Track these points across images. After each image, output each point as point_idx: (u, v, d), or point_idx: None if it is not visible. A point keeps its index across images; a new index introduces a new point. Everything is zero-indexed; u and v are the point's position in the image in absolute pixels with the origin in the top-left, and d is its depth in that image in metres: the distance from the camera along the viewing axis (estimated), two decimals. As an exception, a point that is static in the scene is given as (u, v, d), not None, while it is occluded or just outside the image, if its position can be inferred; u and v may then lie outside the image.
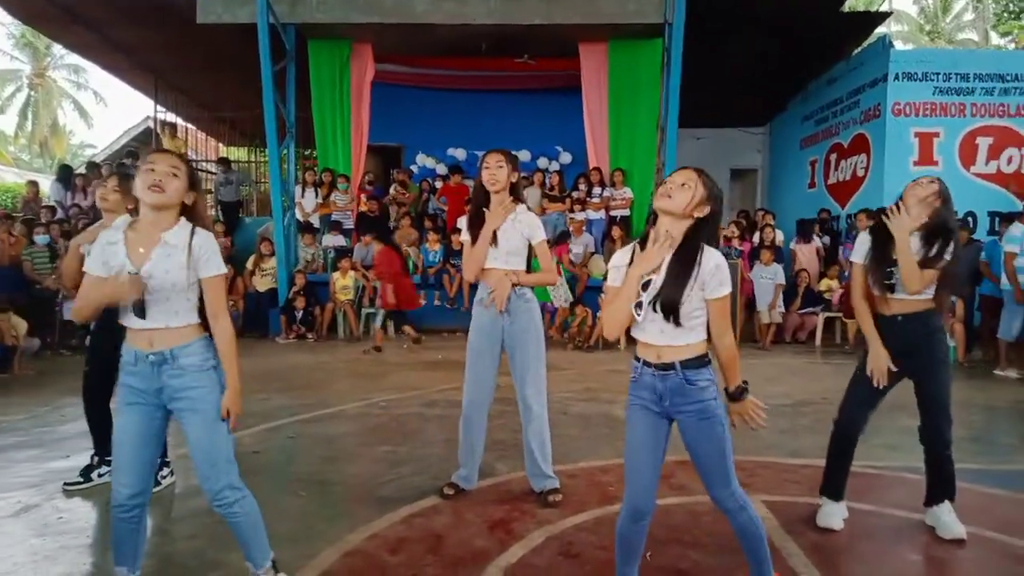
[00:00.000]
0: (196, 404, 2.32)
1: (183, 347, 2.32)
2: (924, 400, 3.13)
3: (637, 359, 2.34)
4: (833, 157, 12.21)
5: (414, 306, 9.15)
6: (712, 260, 2.21)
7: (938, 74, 10.42)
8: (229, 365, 2.39)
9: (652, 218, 2.35)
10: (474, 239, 3.52)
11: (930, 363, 3.10)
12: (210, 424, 2.34)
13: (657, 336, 2.26)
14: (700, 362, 2.26)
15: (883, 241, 3.10)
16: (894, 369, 3.09)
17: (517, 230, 3.50)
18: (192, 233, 2.32)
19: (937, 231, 3.04)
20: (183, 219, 2.35)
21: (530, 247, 3.54)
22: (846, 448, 3.25)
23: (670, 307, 2.19)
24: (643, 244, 2.31)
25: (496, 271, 3.50)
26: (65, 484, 3.77)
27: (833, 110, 12.25)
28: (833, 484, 3.28)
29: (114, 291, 2.23)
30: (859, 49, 12.02)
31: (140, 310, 2.27)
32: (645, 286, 2.25)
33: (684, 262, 2.21)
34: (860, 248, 3.20)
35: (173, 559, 2.91)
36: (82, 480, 3.78)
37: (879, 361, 3.08)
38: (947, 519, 3.15)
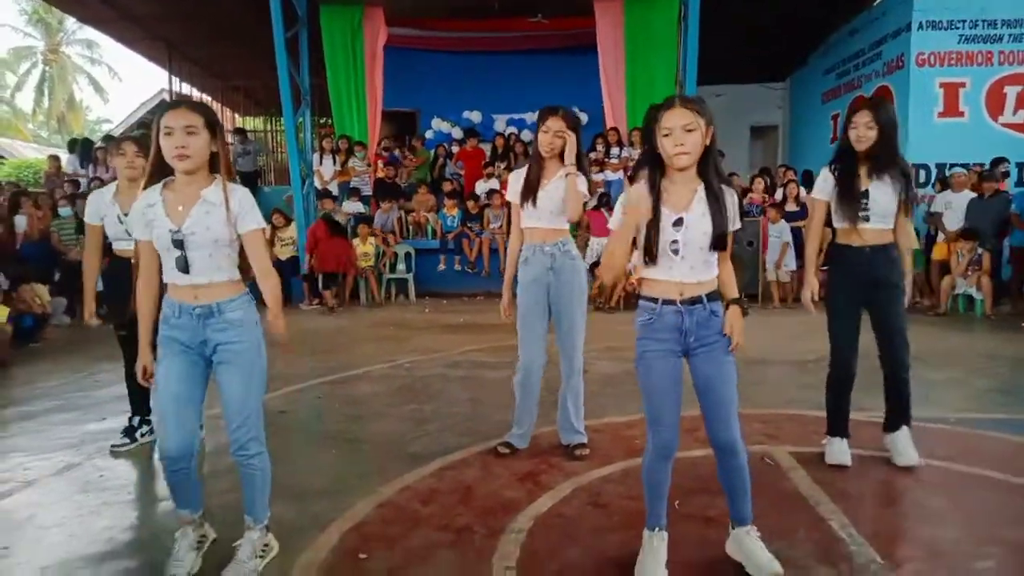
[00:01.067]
0: (237, 357, 2.36)
1: (228, 301, 2.36)
2: (885, 328, 3.28)
3: (653, 300, 2.32)
4: (855, 112, 11.96)
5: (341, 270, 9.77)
6: (731, 195, 2.30)
7: (964, 21, 10.12)
8: (276, 305, 2.46)
9: (646, 163, 2.32)
10: (522, 200, 3.47)
11: (893, 291, 3.26)
12: (247, 378, 2.39)
13: (686, 273, 2.28)
14: (718, 295, 2.35)
15: (849, 174, 3.22)
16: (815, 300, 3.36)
17: (560, 188, 3.42)
18: (227, 189, 2.33)
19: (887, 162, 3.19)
20: (218, 176, 2.36)
21: None
22: (845, 388, 3.39)
23: (721, 239, 2.26)
24: (657, 195, 2.28)
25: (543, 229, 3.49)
26: (112, 446, 3.88)
27: (855, 62, 11.98)
28: (840, 423, 3.42)
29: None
30: (881, -2, 11.70)
31: (184, 265, 2.30)
32: (677, 224, 2.25)
33: (716, 198, 2.26)
34: (823, 185, 3.34)
35: (210, 512, 2.98)
36: (128, 441, 3.89)
37: (811, 288, 3.38)
38: (903, 445, 3.32)
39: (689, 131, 2.19)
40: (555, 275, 3.49)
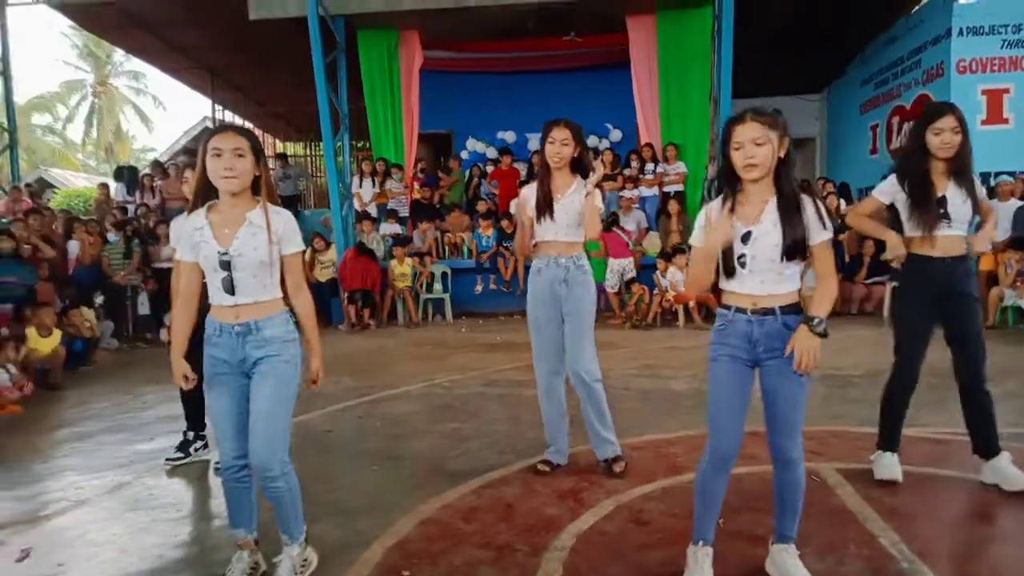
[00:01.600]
0: (271, 371, 2.39)
1: (267, 319, 2.41)
2: (965, 341, 3.15)
3: (727, 307, 2.33)
4: (895, 121, 11.77)
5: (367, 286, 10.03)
6: (810, 206, 2.25)
7: (1006, 26, 9.91)
8: (311, 330, 2.52)
9: (721, 184, 2.33)
10: (538, 214, 3.52)
11: (972, 303, 3.15)
12: (279, 392, 2.40)
13: (757, 287, 2.27)
14: (796, 308, 2.31)
15: (924, 180, 3.09)
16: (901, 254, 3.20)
17: (577, 203, 3.48)
18: (269, 211, 2.40)
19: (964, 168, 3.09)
20: (260, 199, 2.42)
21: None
22: (905, 400, 3.27)
23: (795, 249, 2.22)
24: (732, 205, 2.28)
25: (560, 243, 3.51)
26: (167, 459, 3.98)
27: (893, 71, 11.80)
28: (893, 437, 3.30)
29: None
30: (919, 5, 11.52)
31: (230, 286, 2.36)
32: (745, 239, 2.24)
33: (790, 208, 2.23)
34: (888, 189, 3.21)
35: (264, 528, 3.03)
36: (182, 455, 3.99)
37: (899, 248, 3.17)
38: (1013, 471, 3.12)
39: (759, 145, 2.19)
40: (567, 288, 3.51)
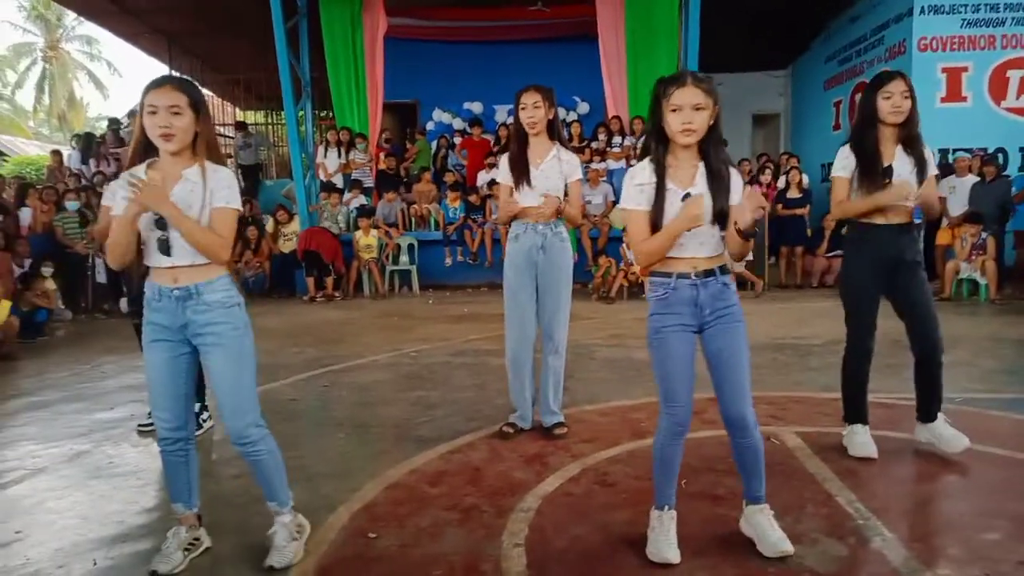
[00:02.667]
0: (221, 339, 2.31)
1: (208, 283, 2.30)
2: (916, 308, 3.15)
3: (666, 275, 2.32)
4: (858, 97, 11.91)
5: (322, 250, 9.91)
6: (734, 173, 2.31)
7: (966, 5, 10.07)
8: (190, 227, 2.23)
9: (653, 141, 2.31)
10: (516, 183, 3.50)
11: (917, 270, 3.15)
12: (235, 360, 2.34)
13: (697, 249, 2.28)
14: (726, 268, 2.35)
15: (872, 148, 3.09)
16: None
17: (557, 169, 3.48)
18: (207, 169, 2.29)
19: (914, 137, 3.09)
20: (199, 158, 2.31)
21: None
22: (863, 370, 3.28)
23: (722, 215, 2.24)
24: (659, 168, 2.28)
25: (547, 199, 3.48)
26: (139, 425, 3.95)
27: (857, 48, 11.93)
28: (859, 409, 3.30)
29: (144, 199, 2.17)
30: (883, -17, 11.65)
31: (165, 247, 2.25)
32: (685, 199, 2.24)
33: (718, 177, 2.26)
34: (845, 163, 3.18)
35: (220, 496, 3.02)
36: (151, 424, 3.91)
37: (903, 187, 3.03)
38: (949, 433, 3.18)
39: (698, 110, 2.18)
40: (544, 254, 3.52)
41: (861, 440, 3.25)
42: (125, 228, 2.24)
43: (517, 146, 3.54)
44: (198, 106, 2.27)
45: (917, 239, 3.22)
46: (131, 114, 14.24)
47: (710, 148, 2.27)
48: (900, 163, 3.10)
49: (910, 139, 3.10)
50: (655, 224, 2.27)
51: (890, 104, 3.04)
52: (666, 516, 2.39)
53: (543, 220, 3.50)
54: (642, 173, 2.32)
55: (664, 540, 2.34)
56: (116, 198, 2.33)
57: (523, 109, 3.45)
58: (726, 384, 2.33)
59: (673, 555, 2.31)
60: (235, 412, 2.34)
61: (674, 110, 2.20)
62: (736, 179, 2.30)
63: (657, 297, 2.35)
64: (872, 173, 3.09)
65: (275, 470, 2.44)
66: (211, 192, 2.28)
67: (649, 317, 2.37)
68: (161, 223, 2.24)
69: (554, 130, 3.54)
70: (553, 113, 3.50)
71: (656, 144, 2.30)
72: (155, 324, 2.32)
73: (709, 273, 2.30)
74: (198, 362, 2.42)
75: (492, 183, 10.47)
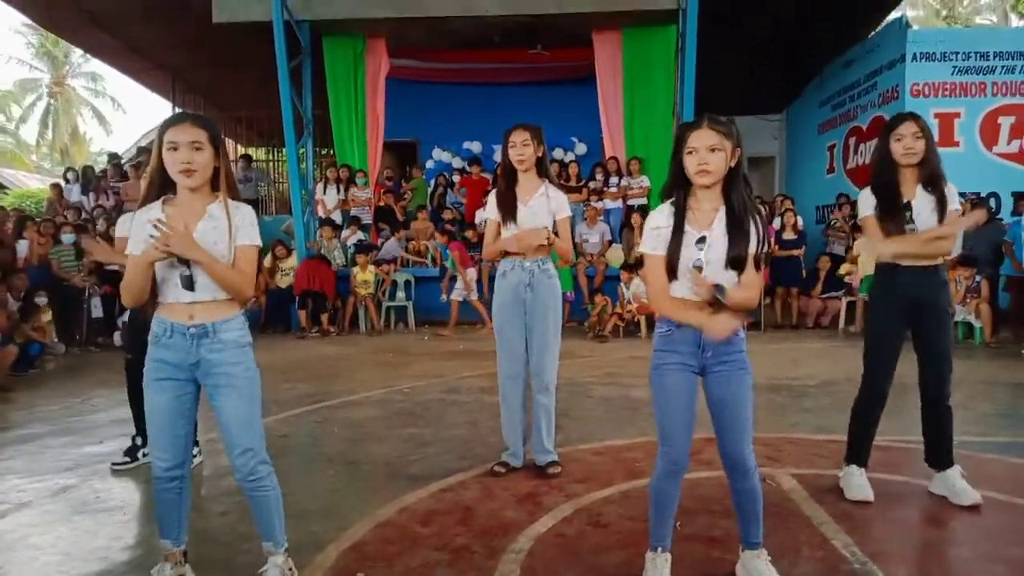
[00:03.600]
0: (234, 380, 2.30)
1: (225, 321, 2.30)
2: (930, 351, 3.14)
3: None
4: (852, 141, 12.09)
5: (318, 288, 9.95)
6: (755, 221, 2.26)
7: (957, 53, 10.28)
8: (220, 271, 2.25)
9: (674, 184, 2.32)
10: (504, 219, 3.53)
11: (940, 313, 3.14)
12: (247, 400, 2.33)
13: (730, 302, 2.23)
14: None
15: (891, 188, 3.10)
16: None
17: (545, 206, 3.51)
18: (229, 205, 2.31)
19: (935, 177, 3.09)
20: (219, 194, 2.33)
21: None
22: (875, 415, 3.23)
23: (738, 262, 2.23)
24: (678, 211, 2.28)
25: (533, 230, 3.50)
26: (113, 464, 3.88)
27: (850, 94, 12.13)
28: (861, 452, 3.26)
29: (174, 247, 2.17)
30: (876, 31, 11.89)
31: (189, 283, 2.24)
32: (700, 242, 2.24)
33: (738, 221, 2.23)
34: (866, 202, 3.16)
35: (207, 534, 2.96)
36: (128, 460, 3.88)
37: (959, 223, 3.10)
38: (962, 485, 3.12)
39: (713, 151, 2.20)
40: (532, 291, 3.53)
41: (858, 483, 3.22)
42: (143, 269, 2.23)
43: (505, 183, 3.58)
44: (217, 142, 2.29)
45: (946, 282, 3.19)
46: (141, 151, 14.33)
47: (732, 191, 2.27)
48: (921, 202, 3.07)
49: (931, 178, 3.08)
50: (671, 267, 2.26)
51: (902, 146, 3.05)
52: (659, 559, 2.36)
53: (530, 255, 3.51)
54: (660, 217, 2.32)
55: None
56: (133, 239, 2.29)
57: (512, 147, 3.50)
58: (727, 431, 2.31)
59: None
60: (245, 451, 2.32)
61: (690, 152, 2.23)
62: (761, 224, 2.27)
63: (661, 334, 2.34)
64: (892, 212, 3.07)
65: (276, 508, 2.42)
66: (236, 229, 2.29)
67: (653, 352, 2.36)
68: (185, 259, 2.23)
69: (543, 168, 3.58)
70: (542, 151, 3.55)
71: (676, 188, 2.30)
72: (162, 362, 2.29)
73: None
74: (195, 403, 2.40)
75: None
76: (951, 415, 3.19)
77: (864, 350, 3.24)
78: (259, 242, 2.38)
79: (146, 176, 3.68)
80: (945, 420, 3.18)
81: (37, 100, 31.56)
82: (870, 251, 3.27)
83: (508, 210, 3.53)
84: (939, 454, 3.21)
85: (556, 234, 3.55)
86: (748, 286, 2.26)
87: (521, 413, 3.64)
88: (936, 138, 9.70)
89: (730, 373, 2.28)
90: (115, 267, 8.06)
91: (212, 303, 2.29)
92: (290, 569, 2.44)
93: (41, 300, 7.97)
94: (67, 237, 9.28)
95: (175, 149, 2.22)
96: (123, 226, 3.83)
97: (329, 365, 7.28)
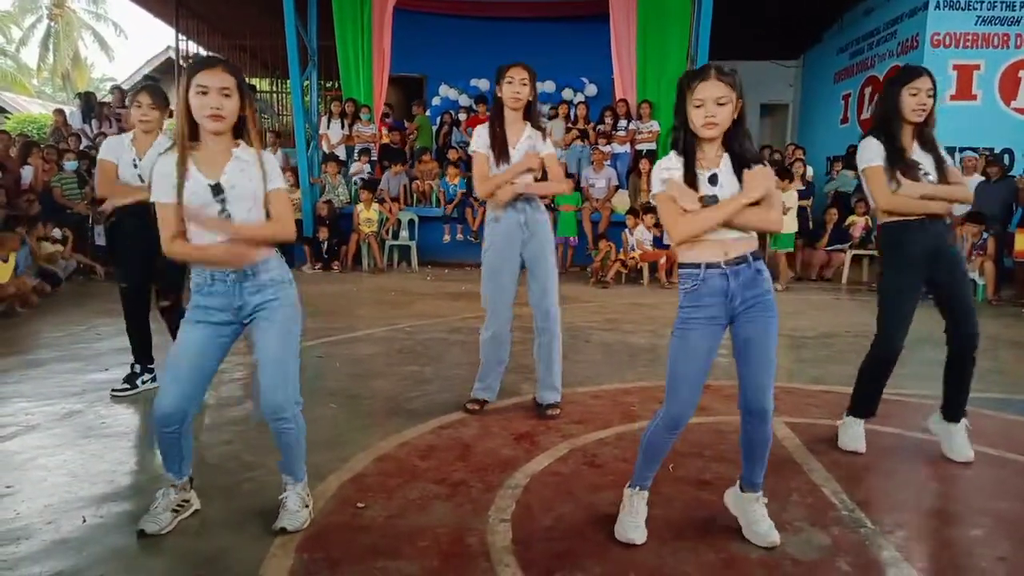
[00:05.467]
0: (273, 315, 2.33)
1: (262, 263, 2.32)
2: (958, 302, 3.08)
3: (695, 266, 2.28)
4: (868, 91, 11.86)
5: None
6: (760, 165, 2.26)
7: (982, 2, 9.99)
8: (261, 233, 2.33)
9: (680, 133, 2.28)
10: (496, 158, 3.51)
11: (958, 264, 3.13)
12: (283, 336, 2.34)
13: (726, 231, 2.23)
14: (759, 254, 2.31)
15: (896, 143, 3.02)
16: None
17: (529, 146, 3.50)
18: (259, 149, 2.34)
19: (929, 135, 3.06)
20: (241, 142, 2.33)
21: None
22: (887, 371, 3.19)
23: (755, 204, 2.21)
24: (687, 160, 2.26)
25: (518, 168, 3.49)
26: (113, 390, 3.94)
27: (869, 41, 11.84)
28: (867, 406, 3.26)
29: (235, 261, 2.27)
30: (900, -24, 11.53)
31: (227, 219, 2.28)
32: (713, 180, 2.23)
33: (743, 160, 2.24)
34: (875, 151, 3.04)
35: (212, 463, 3.03)
36: (128, 387, 3.94)
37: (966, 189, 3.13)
38: (960, 441, 3.14)
39: (721, 104, 2.17)
40: (528, 230, 3.53)
41: (854, 433, 3.25)
42: (199, 255, 2.30)
43: (499, 120, 3.52)
44: (244, 89, 2.28)
45: (951, 229, 3.18)
46: (147, 78, 14.09)
47: (734, 141, 2.25)
48: (923, 159, 3.03)
49: (927, 139, 3.05)
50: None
51: (916, 101, 2.97)
52: (636, 496, 2.40)
53: (523, 192, 3.50)
54: (669, 161, 2.31)
55: (631, 522, 2.37)
56: (158, 185, 2.28)
57: (509, 83, 3.43)
58: (750, 376, 2.29)
59: (638, 536, 2.34)
60: (276, 387, 2.33)
61: (698, 105, 2.19)
62: (762, 170, 2.25)
63: (686, 290, 2.31)
64: (904, 164, 3.00)
65: (299, 446, 2.45)
66: (268, 174, 2.32)
67: (679, 308, 2.33)
68: (219, 193, 2.25)
69: (530, 112, 3.53)
70: (533, 95, 3.49)
71: (683, 135, 2.27)
72: (204, 307, 2.32)
73: (740, 260, 2.25)
74: (225, 352, 2.41)
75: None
76: (973, 366, 3.13)
77: (879, 309, 3.16)
78: (286, 185, 2.41)
79: (143, 107, 3.65)
80: (968, 372, 3.14)
81: (37, 22, 30.83)
82: (885, 203, 3.15)
83: (502, 150, 3.49)
84: (955, 407, 3.16)
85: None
86: (767, 207, 2.23)
87: (507, 354, 3.72)
88: (953, 91, 9.59)
89: (759, 314, 2.26)
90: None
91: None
92: (308, 495, 2.52)
93: (56, 235, 8.01)
94: (70, 164, 9.23)
95: (205, 93, 2.21)
96: (108, 150, 3.80)
97: (331, 302, 7.32)
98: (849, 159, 10.87)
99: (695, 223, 2.23)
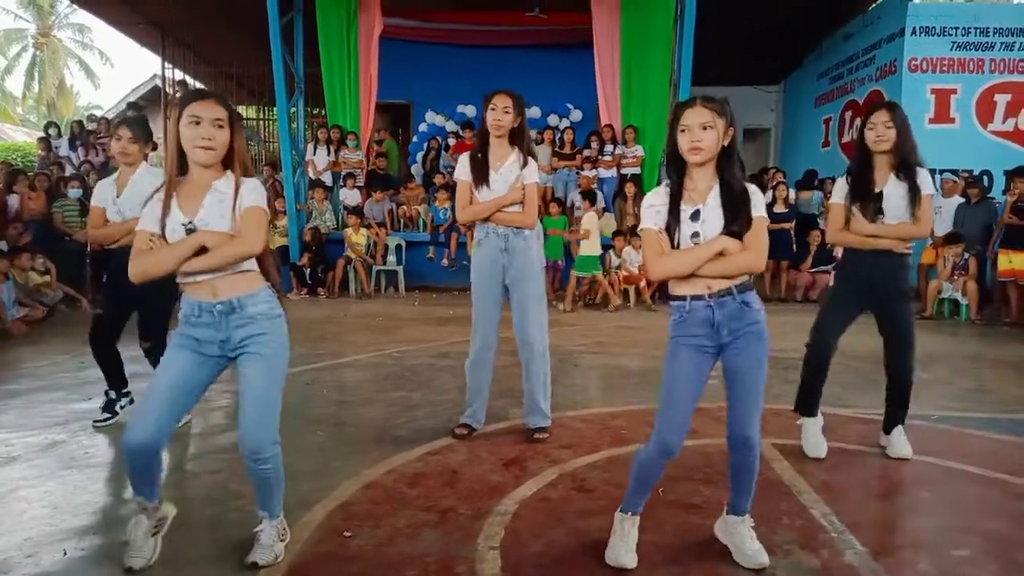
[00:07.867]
0: (260, 348, 2.28)
1: (249, 296, 2.27)
2: (893, 332, 3.34)
3: (681, 298, 2.31)
4: (848, 115, 12.06)
5: None
6: (753, 192, 2.29)
7: (957, 28, 10.22)
8: (222, 249, 2.23)
9: (672, 166, 2.33)
10: (476, 182, 3.54)
11: (902, 298, 3.33)
12: (269, 372, 2.30)
13: (708, 267, 2.26)
14: (748, 285, 2.32)
15: (864, 176, 3.28)
16: None
17: (515, 175, 3.51)
18: (239, 180, 2.29)
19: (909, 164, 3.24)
20: (229, 172, 2.30)
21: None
22: (821, 368, 3.45)
23: (738, 236, 2.25)
24: (675, 192, 2.30)
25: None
26: (94, 422, 3.88)
27: (848, 67, 12.07)
28: (811, 402, 3.51)
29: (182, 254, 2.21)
30: (876, 3, 11.78)
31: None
32: (695, 217, 2.26)
33: (732, 197, 2.26)
34: (839, 190, 3.38)
35: (199, 491, 3.00)
36: (108, 416, 3.89)
37: (903, 230, 3.24)
38: (899, 440, 3.41)
39: (705, 129, 2.21)
40: (509, 256, 3.54)
41: (813, 441, 3.45)
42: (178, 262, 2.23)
43: (482, 146, 3.56)
44: (235, 122, 2.28)
45: (905, 265, 3.34)
46: (131, 106, 14.07)
47: (725, 169, 2.28)
48: (892, 188, 3.23)
49: (903, 165, 3.22)
50: (671, 242, 2.29)
51: (873, 135, 3.23)
52: (628, 521, 2.40)
53: (503, 221, 3.52)
54: (655, 196, 2.35)
55: (622, 546, 2.36)
56: (145, 215, 2.27)
57: (492, 110, 3.47)
58: (735, 405, 2.33)
59: (630, 561, 2.33)
60: (256, 425, 2.27)
61: (683, 130, 2.24)
62: (756, 198, 2.28)
63: (674, 321, 2.34)
64: (863, 198, 3.26)
65: (276, 486, 2.38)
66: (242, 196, 2.27)
67: (669, 340, 2.36)
68: (191, 233, 2.22)
69: (518, 137, 3.54)
70: (519, 121, 3.51)
71: (672, 167, 2.33)
72: (189, 337, 2.28)
73: (724, 293, 2.27)
74: (208, 383, 2.37)
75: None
76: (910, 390, 3.38)
77: (815, 319, 3.46)
78: (263, 204, 2.32)
79: (123, 140, 3.64)
80: (905, 394, 3.39)
81: (23, 51, 30.86)
82: (829, 238, 3.44)
83: (481, 173, 3.52)
84: (892, 422, 3.44)
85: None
86: (748, 247, 2.26)
87: (490, 379, 3.72)
88: (932, 114, 9.78)
89: (746, 345, 2.29)
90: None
91: (232, 276, 2.26)
92: (284, 529, 2.47)
93: (41, 264, 7.93)
94: (74, 192, 9.14)
95: (197, 123, 2.20)
96: (97, 196, 3.76)
97: (318, 328, 7.28)
98: (807, 182, 11.18)
99: (669, 266, 2.30)
